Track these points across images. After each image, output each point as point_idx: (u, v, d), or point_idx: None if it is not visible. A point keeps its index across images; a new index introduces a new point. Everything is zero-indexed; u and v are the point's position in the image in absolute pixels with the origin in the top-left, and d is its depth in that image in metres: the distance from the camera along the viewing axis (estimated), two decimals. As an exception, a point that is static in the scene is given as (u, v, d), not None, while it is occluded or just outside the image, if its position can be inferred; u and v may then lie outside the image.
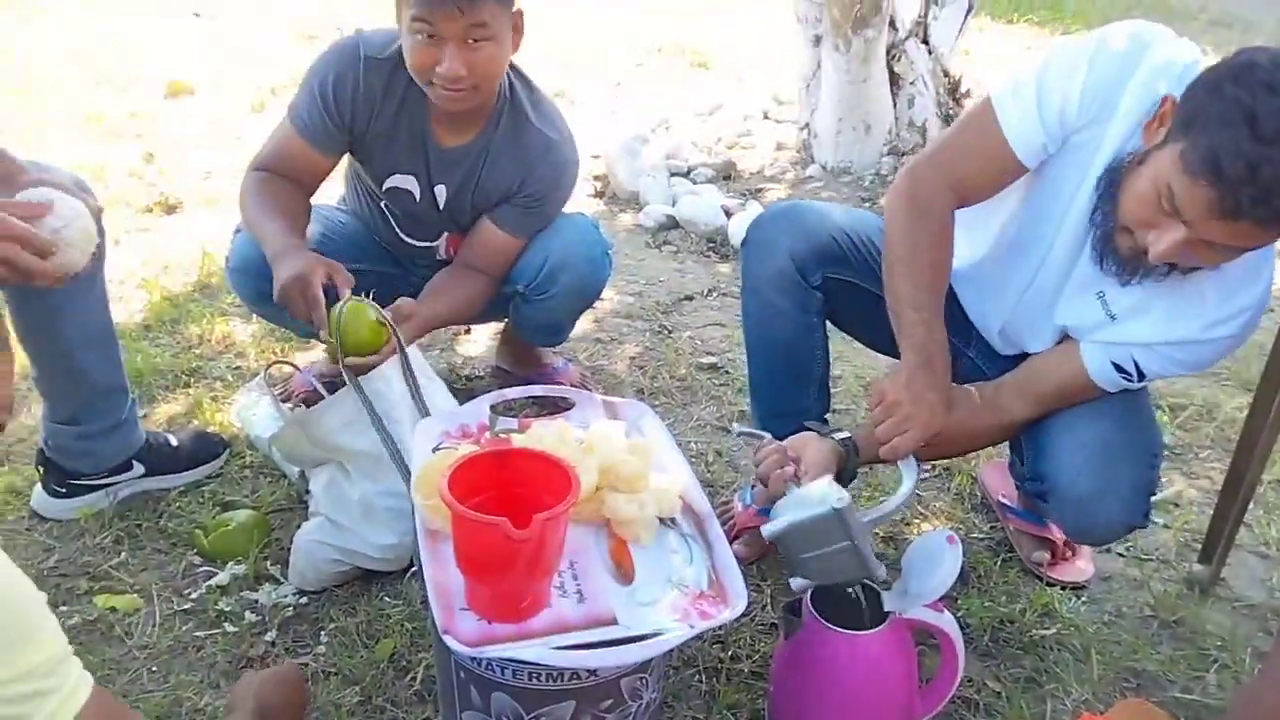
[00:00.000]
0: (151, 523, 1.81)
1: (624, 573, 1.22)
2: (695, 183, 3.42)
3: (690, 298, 2.76)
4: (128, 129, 3.79)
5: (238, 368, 2.29)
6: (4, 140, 1.60)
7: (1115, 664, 1.62)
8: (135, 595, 1.65)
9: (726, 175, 3.52)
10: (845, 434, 1.49)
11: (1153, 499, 1.51)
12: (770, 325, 1.66)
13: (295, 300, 1.64)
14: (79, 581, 1.68)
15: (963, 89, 3.72)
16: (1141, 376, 1.47)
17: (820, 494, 1.31)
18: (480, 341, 2.48)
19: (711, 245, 3.05)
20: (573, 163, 1.92)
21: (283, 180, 1.85)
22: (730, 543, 1.35)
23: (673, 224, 3.16)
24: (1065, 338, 1.53)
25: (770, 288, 1.63)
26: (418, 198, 1.91)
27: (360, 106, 1.80)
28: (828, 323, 1.70)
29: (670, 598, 1.18)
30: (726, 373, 2.38)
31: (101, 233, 1.53)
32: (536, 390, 1.61)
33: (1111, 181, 1.33)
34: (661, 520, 1.30)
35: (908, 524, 1.90)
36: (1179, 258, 1.28)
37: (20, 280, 1.33)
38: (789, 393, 1.65)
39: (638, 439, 1.41)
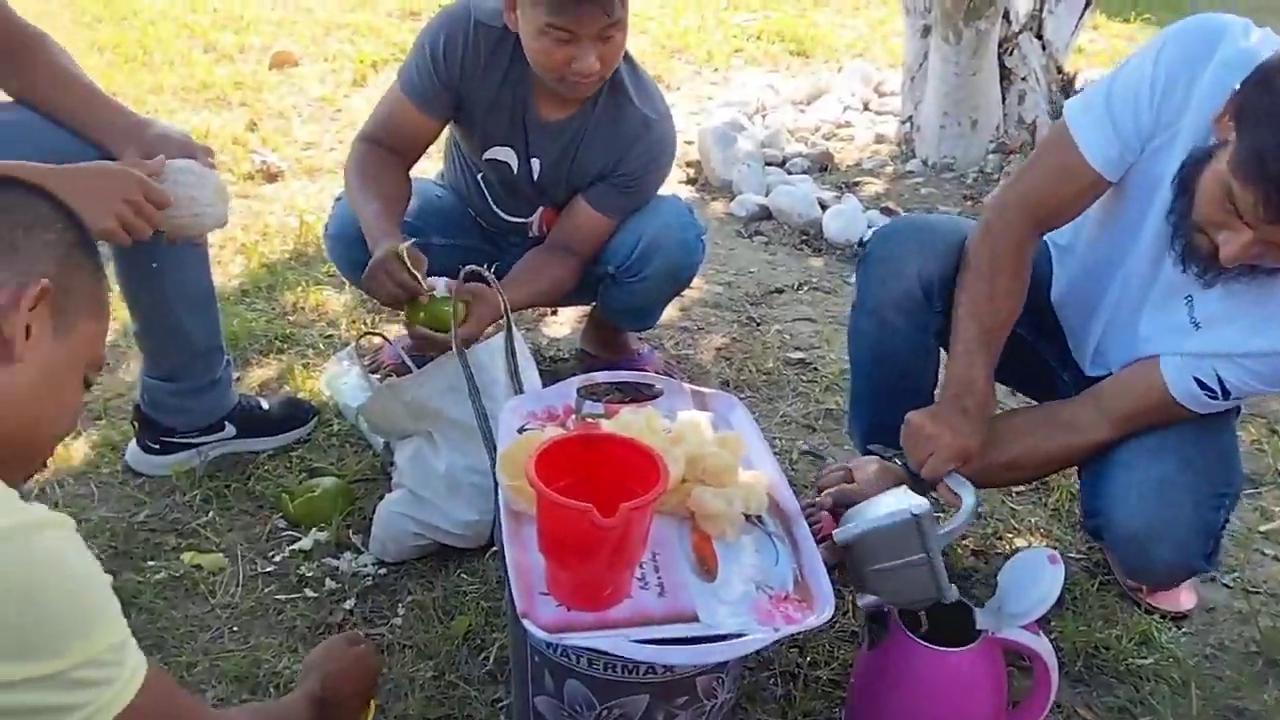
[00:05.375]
0: (240, 484, 1.84)
1: (707, 569, 1.19)
2: (790, 173, 3.35)
3: (780, 290, 2.70)
4: (233, 98, 3.87)
5: (329, 336, 2.32)
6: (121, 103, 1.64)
7: (1215, 701, 1.53)
8: (220, 554, 1.68)
9: (823, 167, 3.44)
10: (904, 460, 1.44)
11: (1221, 540, 1.44)
12: (885, 345, 1.59)
13: (381, 283, 1.67)
14: (167, 537, 1.71)
15: (1076, 86, 3.56)
16: (1226, 394, 1.37)
17: (898, 500, 1.25)
18: (566, 323, 2.47)
19: (805, 238, 2.98)
20: (670, 142, 1.89)
21: (386, 156, 1.87)
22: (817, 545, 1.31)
23: (765, 214, 3.10)
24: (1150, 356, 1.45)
25: (891, 309, 1.56)
26: (514, 170, 1.90)
27: (468, 68, 1.80)
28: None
29: (754, 598, 1.15)
30: (815, 369, 2.33)
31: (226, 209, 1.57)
32: (625, 376, 1.59)
33: (1185, 179, 1.26)
34: (748, 517, 1.27)
35: (1000, 537, 1.82)
36: (1254, 259, 1.20)
37: (136, 239, 1.37)
38: (893, 411, 1.55)
39: (726, 431, 1.38)
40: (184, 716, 0.89)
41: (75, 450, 1.90)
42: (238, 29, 4.61)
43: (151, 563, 1.65)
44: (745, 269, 2.81)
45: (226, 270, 2.60)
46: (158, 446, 1.84)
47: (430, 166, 2.19)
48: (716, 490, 1.24)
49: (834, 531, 1.29)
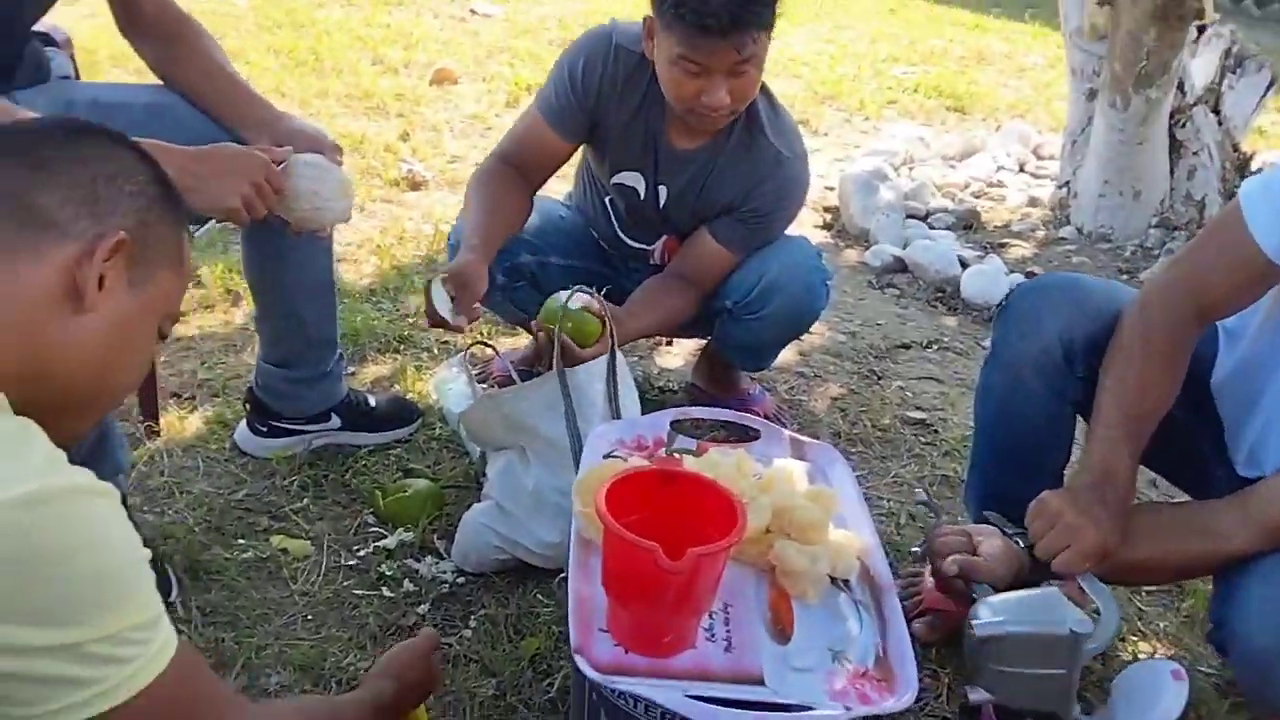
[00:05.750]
0: (337, 475, 1.86)
1: (781, 630, 1.12)
2: (932, 228, 3.23)
3: (907, 346, 2.59)
4: (392, 108, 4.02)
5: (445, 342, 2.34)
6: (288, 105, 1.70)
7: None
8: (308, 542, 1.70)
9: (968, 225, 3.30)
10: (1026, 541, 1.32)
11: None
12: (1016, 406, 1.47)
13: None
14: (260, 518, 1.74)
15: (1253, 167, 3.32)
16: None
17: (1055, 608, 1.14)
18: (680, 354, 2.43)
19: (940, 295, 2.86)
20: (802, 182, 1.83)
21: (511, 175, 1.88)
22: (909, 621, 1.21)
23: (900, 267, 2.99)
24: None
25: (1028, 367, 1.44)
26: (641, 195, 1.88)
27: (605, 91, 1.79)
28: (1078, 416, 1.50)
29: (828, 669, 1.07)
30: (935, 431, 2.21)
31: (350, 204, 1.61)
32: (723, 414, 1.53)
33: None
34: (833, 580, 1.19)
35: (1121, 639, 1.66)
36: None
37: (253, 220, 1.41)
38: (1016, 481, 1.45)
39: (822, 486, 1.30)
40: (206, 703, 0.85)
41: (189, 424, 1.96)
42: (406, 45, 4.81)
43: (241, 541, 1.68)
44: (872, 320, 2.71)
45: (359, 269, 2.68)
46: (265, 430, 1.88)
47: (560, 187, 2.19)
48: (802, 547, 1.17)
49: (974, 621, 1.18)
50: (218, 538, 1.68)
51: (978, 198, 3.53)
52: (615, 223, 1.98)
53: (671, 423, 1.42)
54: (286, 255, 1.73)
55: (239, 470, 1.85)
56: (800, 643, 1.09)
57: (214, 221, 1.48)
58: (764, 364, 2.07)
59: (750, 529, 1.18)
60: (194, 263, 1.64)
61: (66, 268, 0.79)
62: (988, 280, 2.79)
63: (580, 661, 1.02)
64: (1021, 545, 1.32)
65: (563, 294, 1.61)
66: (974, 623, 1.16)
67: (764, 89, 1.80)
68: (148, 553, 0.79)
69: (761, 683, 1.04)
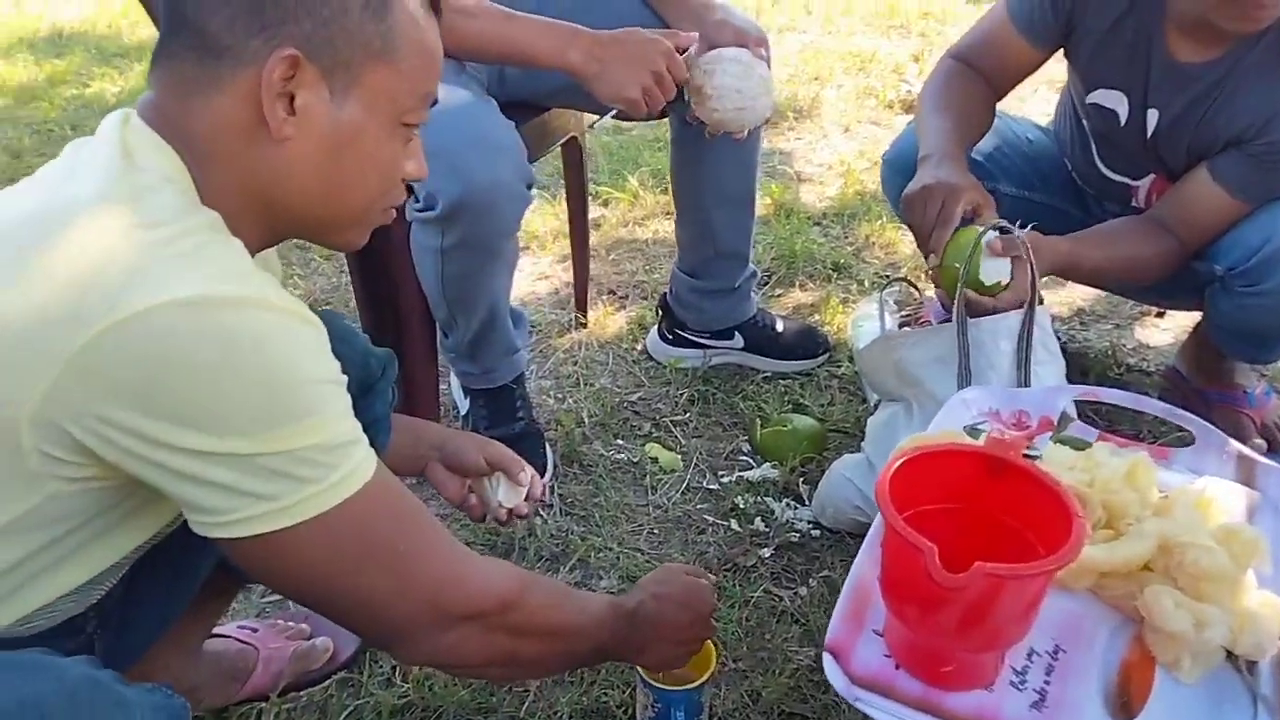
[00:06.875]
0: (725, 396, 1.80)
1: (1124, 704, 0.82)
2: None
3: None
4: (914, 27, 3.78)
5: (884, 277, 2.15)
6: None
7: None
8: (678, 456, 1.67)
9: None
10: None
11: None
12: None
13: (917, 211, 1.41)
14: (643, 423, 1.75)
15: None
16: None
17: None
18: (1171, 329, 1.96)
19: None
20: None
21: (973, 77, 1.59)
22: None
23: None
24: None
25: None
26: (1122, 120, 1.49)
27: None
28: None
29: (1170, 777, 0.75)
30: None
31: (771, 105, 1.49)
32: (1152, 406, 1.16)
33: None
34: (1230, 656, 0.84)
35: None
36: None
37: (651, 111, 1.36)
38: None
39: (1260, 529, 0.92)
40: (399, 535, 0.80)
41: (613, 321, 2.03)
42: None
43: (619, 441, 1.70)
44: None
45: (820, 190, 2.56)
46: (671, 338, 1.88)
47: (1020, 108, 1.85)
48: (1188, 602, 0.84)
49: None
50: (600, 433, 1.72)
51: None
52: (1095, 151, 1.60)
53: (1075, 401, 1.12)
54: (704, 159, 1.68)
55: (640, 374, 1.88)
56: (1146, 730, 0.79)
57: (610, 114, 1.46)
58: (1266, 356, 1.57)
59: (1121, 559, 0.88)
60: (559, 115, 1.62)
61: (250, 96, 0.76)
62: None
63: (828, 660, 0.83)
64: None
65: (978, 226, 1.32)
66: None
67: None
68: (343, 379, 0.76)
69: (1066, 765, 0.77)
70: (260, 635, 1.28)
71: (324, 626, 1.30)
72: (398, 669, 1.28)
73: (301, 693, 1.25)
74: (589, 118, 1.77)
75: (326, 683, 1.27)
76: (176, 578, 1.01)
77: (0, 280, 0.70)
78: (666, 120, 1.69)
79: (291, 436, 0.71)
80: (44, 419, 0.69)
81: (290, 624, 1.31)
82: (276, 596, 1.40)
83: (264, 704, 1.23)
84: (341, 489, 0.75)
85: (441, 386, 1.74)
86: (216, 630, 1.26)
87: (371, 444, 0.79)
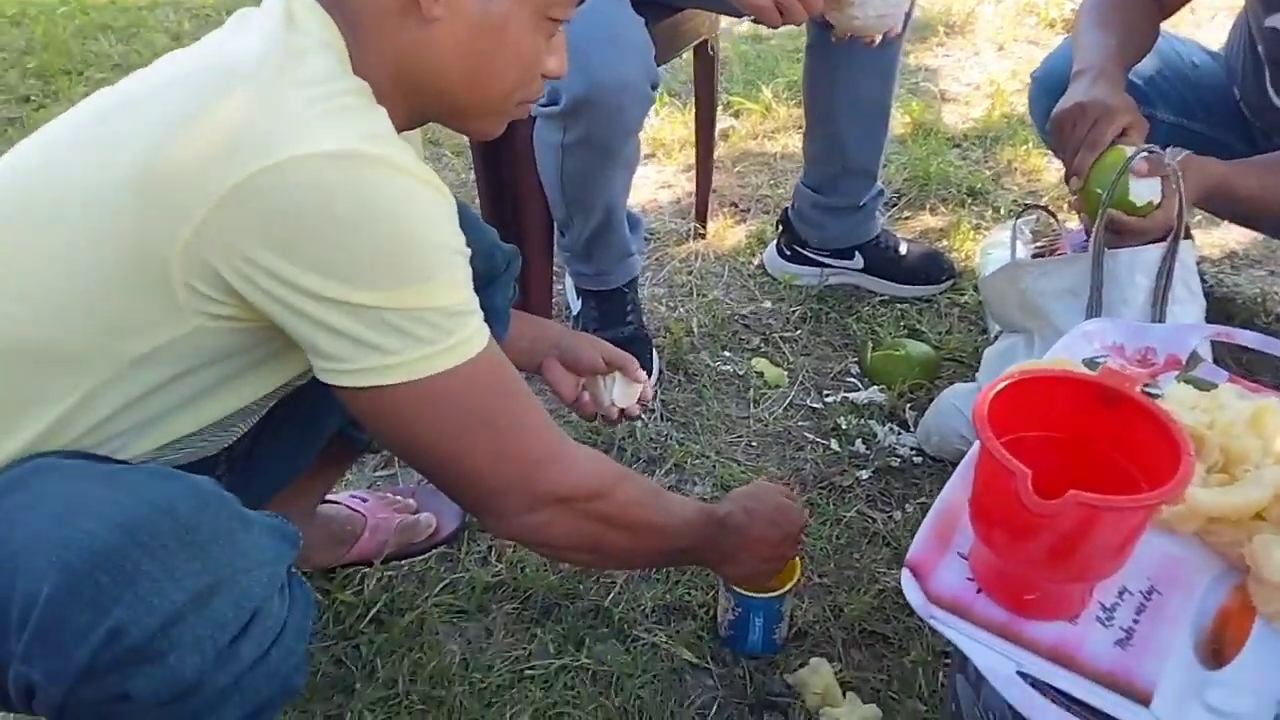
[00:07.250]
0: (839, 316, 1.77)
1: (1215, 650, 0.78)
2: None
3: None
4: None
5: (1022, 204, 2.05)
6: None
7: None
8: (784, 372, 1.65)
9: None
10: None
11: None
12: None
13: (1065, 131, 1.32)
14: (753, 338, 1.74)
15: None
16: None
17: None
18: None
19: None
20: None
21: None
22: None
23: None
24: None
25: None
26: (1301, 47, 1.36)
27: None
28: None
29: (1256, 727, 0.72)
30: None
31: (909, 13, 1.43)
32: (1295, 352, 1.08)
33: None
34: (1340, 617, 0.79)
35: None
36: None
37: (788, 20, 1.31)
38: None
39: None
40: (502, 410, 0.82)
41: (732, 234, 2.01)
42: None
43: (726, 353, 1.70)
44: None
45: (965, 111, 2.45)
46: (789, 254, 1.85)
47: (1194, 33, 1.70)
48: (1302, 555, 0.79)
49: None
50: (708, 343, 1.72)
51: None
52: (1267, 80, 1.47)
53: (1210, 340, 1.05)
54: (840, 67, 1.62)
55: (755, 288, 1.86)
56: (1237, 677, 0.75)
57: (747, 19, 1.41)
58: None
59: (1232, 505, 0.84)
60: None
61: None
62: None
63: (906, 577, 0.82)
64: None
65: (1127, 149, 1.23)
66: None
67: None
68: (468, 251, 0.79)
69: (1146, 704, 0.74)
70: (370, 505, 1.35)
71: (429, 503, 1.36)
72: (493, 549, 1.33)
73: (403, 562, 1.31)
74: (724, 20, 1.72)
75: (426, 555, 1.33)
76: (302, 435, 1.08)
77: (166, 124, 0.74)
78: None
79: (416, 295, 0.74)
80: (194, 254, 0.73)
81: (399, 498, 1.38)
82: (388, 470, 1.47)
83: (367, 569, 1.30)
84: (455, 354, 0.78)
85: (556, 286, 1.76)
86: (330, 496, 1.34)
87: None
